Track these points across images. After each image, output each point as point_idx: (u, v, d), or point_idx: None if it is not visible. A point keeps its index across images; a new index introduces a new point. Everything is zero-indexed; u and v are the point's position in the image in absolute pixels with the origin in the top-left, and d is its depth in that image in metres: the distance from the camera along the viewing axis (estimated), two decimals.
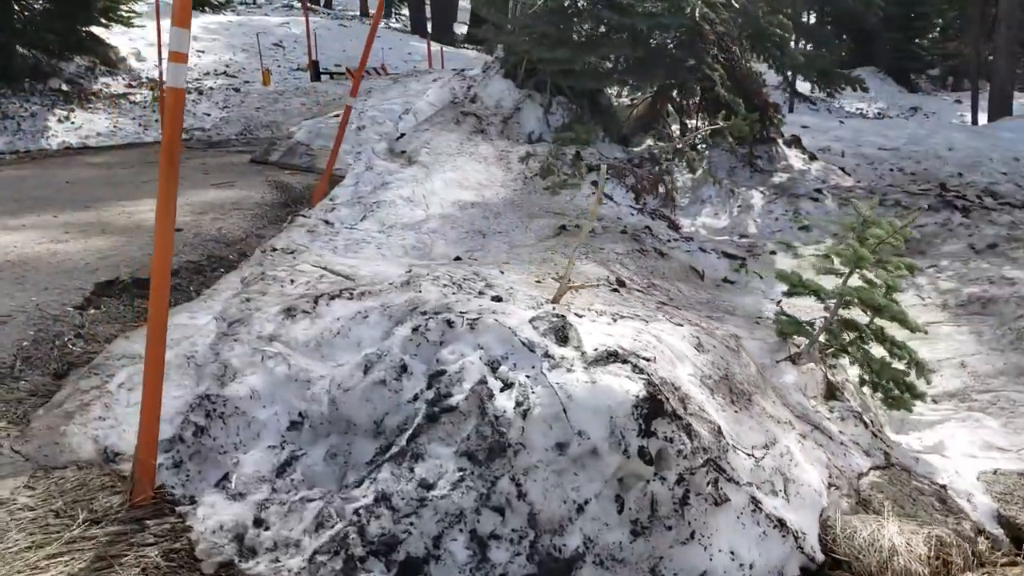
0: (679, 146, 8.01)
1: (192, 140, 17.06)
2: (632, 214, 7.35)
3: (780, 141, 9.22)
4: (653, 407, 3.12)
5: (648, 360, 3.36)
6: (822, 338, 4.93)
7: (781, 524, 3.23)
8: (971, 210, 7.71)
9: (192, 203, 10.24)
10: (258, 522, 3.39)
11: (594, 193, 7.60)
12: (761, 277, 6.74)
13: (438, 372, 3.49)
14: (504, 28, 8.53)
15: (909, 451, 4.65)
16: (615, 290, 5.27)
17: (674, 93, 10.24)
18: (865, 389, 5.03)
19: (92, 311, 6.17)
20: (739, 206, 8.05)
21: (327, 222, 7.12)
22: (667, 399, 3.19)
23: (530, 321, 3.59)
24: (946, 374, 5.33)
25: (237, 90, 21.37)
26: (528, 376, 3.33)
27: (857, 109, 24.18)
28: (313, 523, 3.25)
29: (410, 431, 3.34)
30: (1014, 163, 12.96)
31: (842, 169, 9.82)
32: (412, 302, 3.99)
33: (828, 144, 12.19)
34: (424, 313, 3.87)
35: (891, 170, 11.91)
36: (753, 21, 8.42)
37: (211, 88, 21.39)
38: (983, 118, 21.08)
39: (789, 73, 10.75)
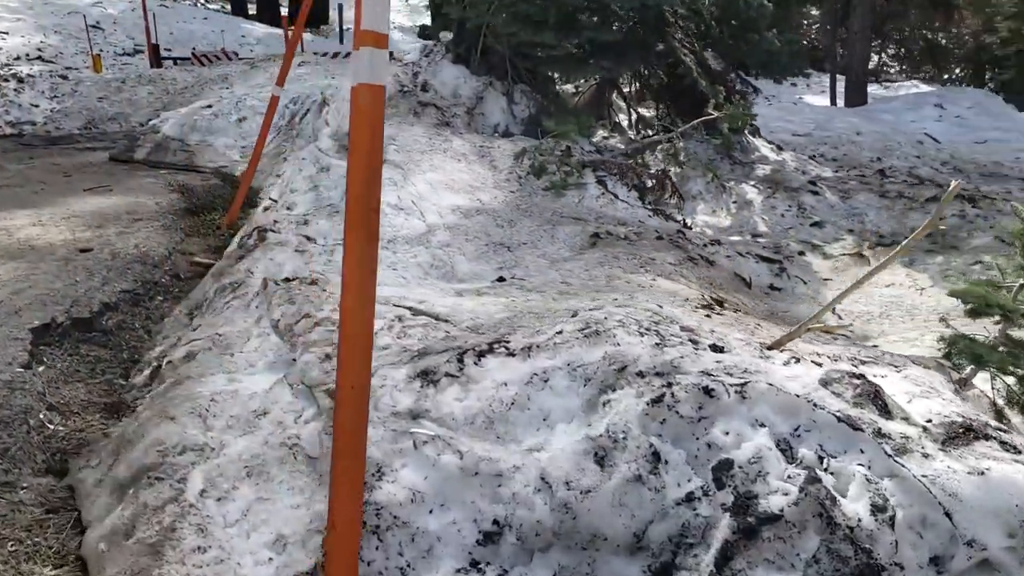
0: (672, 138, 7.34)
1: (26, 136, 14.85)
2: (650, 216, 6.60)
3: (746, 131, 8.75)
4: None
5: (1005, 432, 2.61)
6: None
7: None
8: (976, 200, 7.50)
9: (77, 213, 8.62)
10: None
11: (604, 194, 6.80)
12: (805, 283, 6.18)
13: (723, 463, 2.59)
14: (474, 6, 7.54)
15: None
16: (716, 313, 4.50)
17: (621, 81, 9.57)
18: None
19: (40, 368, 4.78)
20: (735, 202, 7.48)
21: (308, 238, 5.94)
22: None
23: (825, 385, 2.76)
24: None
25: (65, 77, 18.92)
26: (862, 465, 2.51)
27: None
28: None
29: (713, 551, 2.43)
30: (920, 146, 13.19)
31: (812, 158, 9.51)
32: (613, 359, 3.04)
33: None
34: (641, 374, 2.95)
35: (813, 156, 11.78)
36: (732, 2, 7.87)
37: (31, 75, 18.81)
38: (839, 103, 21.71)
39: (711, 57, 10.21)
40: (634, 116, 9.77)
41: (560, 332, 3.26)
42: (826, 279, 6.38)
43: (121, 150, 12.71)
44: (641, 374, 2.94)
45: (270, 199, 7.54)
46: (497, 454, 2.89)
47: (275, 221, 6.30)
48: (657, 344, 3.10)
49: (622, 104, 9.84)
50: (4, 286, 6.00)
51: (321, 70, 16.82)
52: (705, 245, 6.13)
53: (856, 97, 20.14)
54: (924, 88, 23.80)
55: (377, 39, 2.26)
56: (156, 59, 19.35)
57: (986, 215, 7.14)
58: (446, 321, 3.95)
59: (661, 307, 3.77)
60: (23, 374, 4.52)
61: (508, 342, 3.28)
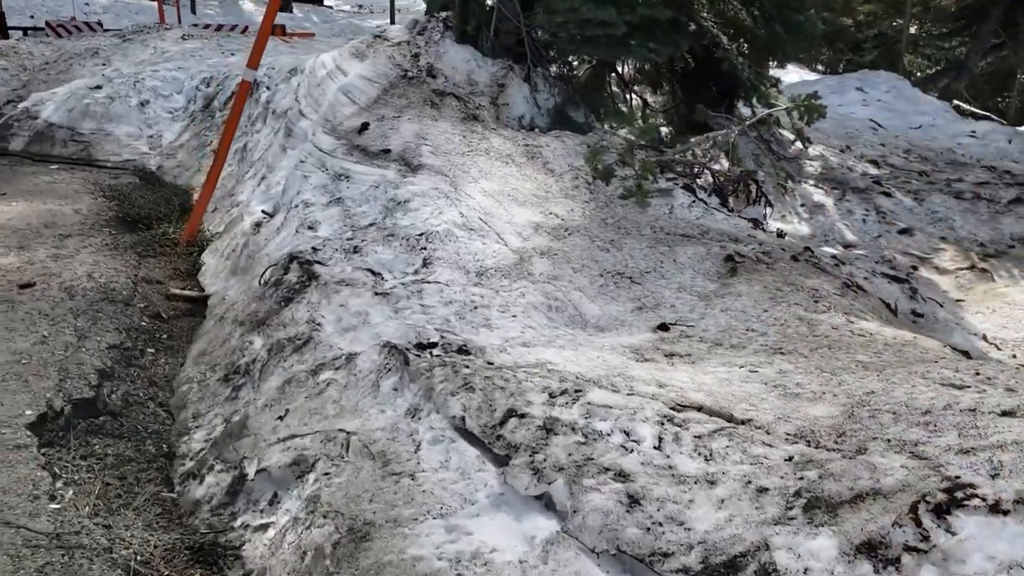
0: (735, 133, 6.32)
1: None
2: (752, 227, 5.59)
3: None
4: None
5: None
6: None
7: None
8: None
9: None
10: None
11: (695, 202, 5.73)
12: (940, 305, 5.35)
13: None
14: None
15: None
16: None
17: (618, 63, 8.48)
18: None
19: (69, 492, 3.28)
20: (803, 205, 6.59)
21: (373, 272, 4.57)
22: None
23: None
24: None
25: None
26: None
27: None
28: None
29: None
30: (875, 133, 12.83)
31: (839, 150, 8.74)
32: None
33: None
34: None
35: None
36: None
37: None
38: None
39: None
40: (634, 101, 8.71)
41: None
42: (958, 300, 5.58)
43: None
44: None
45: (263, 212, 6.02)
46: None
47: (314, 248, 4.87)
48: None
49: (616, 91, 8.76)
50: None
51: (214, 44, 14.88)
52: (836, 265, 5.18)
53: None
54: (808, 74, 23.89)
55: None
56: (2, 30, 16.66)
57: None
58: (741, 422, 2.78)
59: None
60: (65, 515, 3.02)
61: (973, 486, 2.17)
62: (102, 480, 3.47)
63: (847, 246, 6.12)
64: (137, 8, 28.36)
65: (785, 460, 2.50)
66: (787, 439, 2.64)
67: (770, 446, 2.60)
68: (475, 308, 4.18)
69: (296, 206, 5.70)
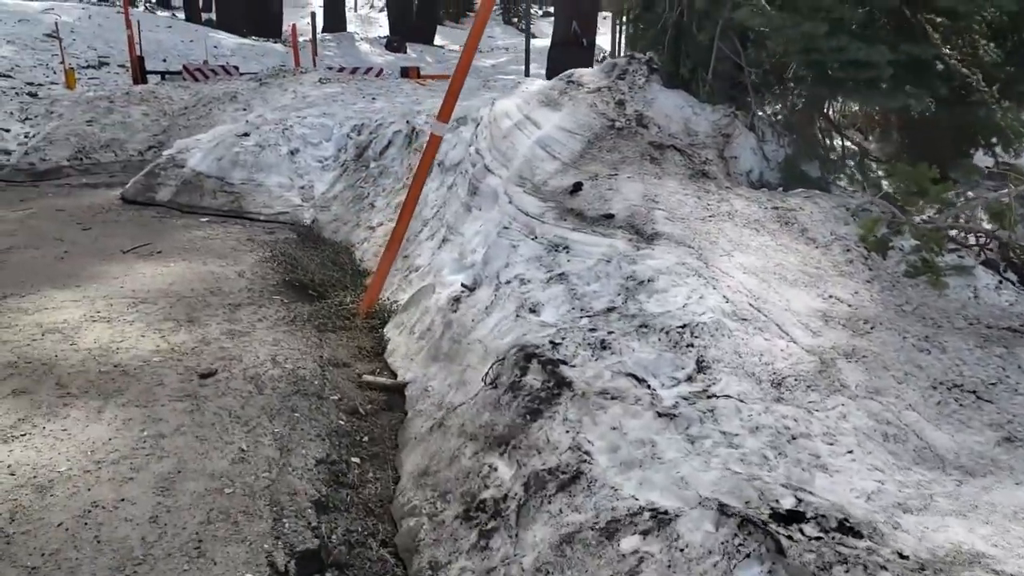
0: (1015, 191, 5.20)
1: (5, 169, 12.10)
2: None
3: None
4: None
5: None
6: None
7: None
8: None
9: (140, 294, 6.17)
10: None
11: (1002, 283, 4.64)
12: None
13: None
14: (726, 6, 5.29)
15: None
16: None
17: (826, 104, 7.45)
18: None
19: None
20: None
21: (637, 378, 3.64)
22: None
23: None
24: None
25: (34, 95, 16.10)
26: None
27: None
28: None
29: None
30: None
31: None
32: None
33: None
34: None
35: None
36: None
37: None
38: None
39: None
40: (842, 146, 7.62)
41: None
42: None
43: (138, 189, 10.14)
44: None
45: (463, 285, 5.19)
46: None
47: (553, 343, 3.98)
48: None
49: (819, 137, 7.69)
50: (135, 471, 3.56)
51: (354, 89, 14.38)
52: None
53: None
54: None
55: None
56: (141, 74, 16.62)
57: None
58: None
59: None
60: None
61: None
62: None
63: None
64: (263, 50, 28.63)
65: None
66: None
67: None
68: (793, 439, 3.21)
69: (508, 282, 4.84)
